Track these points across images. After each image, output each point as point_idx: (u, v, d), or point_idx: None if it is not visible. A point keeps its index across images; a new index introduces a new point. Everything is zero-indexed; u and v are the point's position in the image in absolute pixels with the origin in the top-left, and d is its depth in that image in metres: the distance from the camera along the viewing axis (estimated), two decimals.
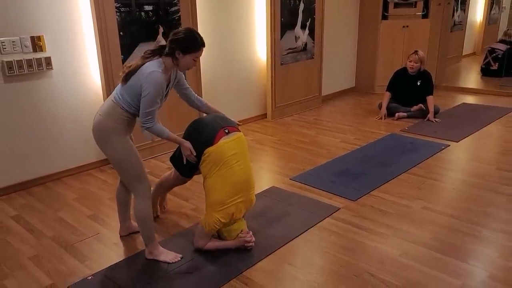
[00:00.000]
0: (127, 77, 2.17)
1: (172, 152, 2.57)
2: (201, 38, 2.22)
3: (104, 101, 3.30)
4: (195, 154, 2.31)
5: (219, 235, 2.46)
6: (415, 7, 5.86)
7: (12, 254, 2.46)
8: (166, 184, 2.71)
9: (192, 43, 2.19)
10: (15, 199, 3.15)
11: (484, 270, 2.20)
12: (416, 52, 4.82)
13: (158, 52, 2.20)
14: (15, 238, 2.63)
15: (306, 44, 5.16)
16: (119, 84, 2.22)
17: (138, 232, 2.52)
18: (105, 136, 2.19)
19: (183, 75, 2.44)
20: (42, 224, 2.78)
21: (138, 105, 2.16)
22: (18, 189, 3.25)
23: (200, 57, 4.12)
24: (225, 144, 2.28)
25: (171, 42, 2.18)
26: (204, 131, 2.33)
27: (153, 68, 2.13)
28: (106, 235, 2.64)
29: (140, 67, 2.15)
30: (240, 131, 2.42)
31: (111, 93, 2.29)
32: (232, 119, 2.48)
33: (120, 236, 2.60)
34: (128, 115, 2.20)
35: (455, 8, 7.73)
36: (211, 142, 2.27)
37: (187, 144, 2.30)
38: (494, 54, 6.93)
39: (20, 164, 3.25)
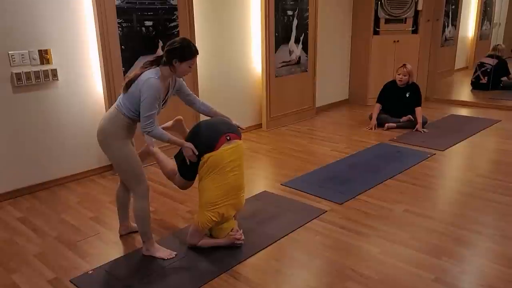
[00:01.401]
0: (127, 86, 2.37)
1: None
2: (195, 46, 2.42)
3: (106, 110, 3.53)
4: (197, 154, 2.44)
5: (211, 234, 2.64)
6: (405, 23, 6.11)
7: (18, 251, 2.64)
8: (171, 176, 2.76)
9: (187, 52, 2.37)
10: (21, 202, 3.33)
11: (456, 266, 2.37)
12: (404, 65, 5.05)
13: (156, 62, 2.41)
14: (21, 237, 2.81)
15: (300, 58, 5.39)
16: (121, 93, 2.43)
17: (137, 231, 2.70)
18: (107, 140, 2.39)
19: (184, 83, 2.62)
20: (46, 225, 2.96)
21: (138, 111, 2.35)
22: (24, 193, 3.44)
23: (198, 69, 4.37)
24: (224, 151, 2.44)
25: (168, 52, 2.37)
26: (208, 135, 2.46)
27: (150, 75, 2.32)
28: (106, 234, 2.82)
29: (139, 76, 2.36)
30: (240, 139, 2.57)
31: (113, 103, 2.49)
32: (235, 123, 2.62)
33: (120, 235, 2.78)
34: (129, 121, 2.39)
35: (446, 24, 8.00)
36: (212, 147, 2.43)
37: (188, 144, 2.44)
38: (483, 68, 7.17)
39: (26, 170, 3.44)
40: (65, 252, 2.62)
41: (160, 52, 3.90)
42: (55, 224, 2.98)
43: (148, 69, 2.37)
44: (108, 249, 2.66)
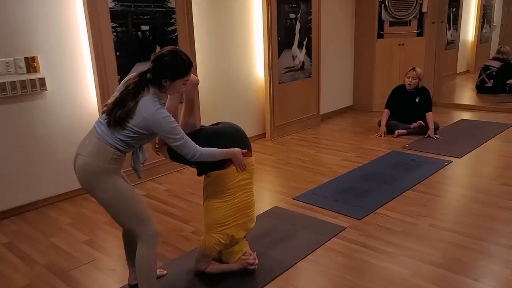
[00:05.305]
0: (123, 122, 1.86)
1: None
2: (187, 58, 1.94)
3: None
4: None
5: (220, 259, 2.35)
6: (410, 25, 5.91)
7: (3, 283, 2.34)
8: None
9: (180, 68, 1.91)
10: (7, 225, 3.02)
11: None
12: (414, 69, 4.82)
13: (141, 82, 1.90)
14: (7, 266, 2.51)
15: (303, 63, 5.15)
16: (104, 123, 1.90)
17: None
18: (94, 179, 1.89)
19: None
20: (34, 251, 2.66)
21: (132, 142, 1.93)
22: (10, 215, 3.14)
23: (198, 77, 4.10)
24: (234, 170, 2.17)
25: (156, 69, 1.90)
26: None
27: (154, 107, 1.86)
28: (102, 261, 2.52)
29: (136, 106, 1.86)
30: (251, 155, 2.29)
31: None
32: (247, 137, 2.32)
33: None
34: (119, 153, 1.93)
35: (448, 27, 7.82)
36: (221, 165, 2.15)
37: (238, 151, 2.15)
38: (488, 71, 6.97)
39: (12, 189, 3.14)
40: (56, 283, 2.32)
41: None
42: (44, 249, 2.67)
43: (141, 94, 1.88)
44: (105, 278, 2.35)
